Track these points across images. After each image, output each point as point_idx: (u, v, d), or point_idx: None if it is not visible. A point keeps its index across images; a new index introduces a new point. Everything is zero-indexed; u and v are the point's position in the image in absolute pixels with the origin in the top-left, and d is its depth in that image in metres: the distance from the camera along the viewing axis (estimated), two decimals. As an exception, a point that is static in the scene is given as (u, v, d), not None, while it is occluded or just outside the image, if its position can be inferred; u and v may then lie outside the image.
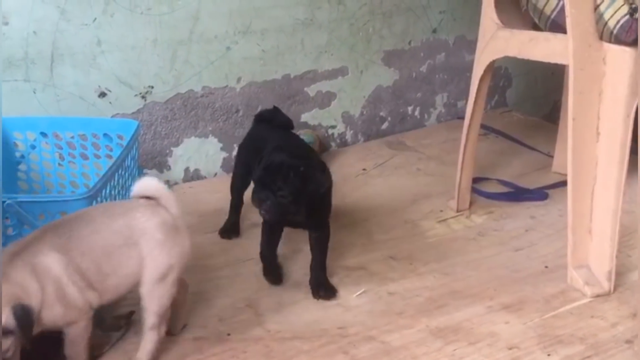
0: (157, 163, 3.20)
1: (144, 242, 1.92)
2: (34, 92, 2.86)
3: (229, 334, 2.22)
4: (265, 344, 2.19)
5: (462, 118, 2.91)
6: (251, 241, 2.59)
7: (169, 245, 1.96)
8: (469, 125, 2.85)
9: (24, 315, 1.72)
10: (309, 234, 2.45)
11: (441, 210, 2.99)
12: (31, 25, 2.78)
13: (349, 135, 3.66)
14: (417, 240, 2.78)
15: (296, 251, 2.65)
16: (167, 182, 3.18)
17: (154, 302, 1.97)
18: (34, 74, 2.84)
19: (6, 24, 2.74)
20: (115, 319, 2.26)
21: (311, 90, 3.47)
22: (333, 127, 3.60)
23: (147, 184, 2.02)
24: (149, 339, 2.01)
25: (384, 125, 3.75)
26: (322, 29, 3.40)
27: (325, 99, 3.53)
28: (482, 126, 3.12)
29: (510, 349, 2.16)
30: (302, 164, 2.24)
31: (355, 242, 2.76)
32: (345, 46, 3.49)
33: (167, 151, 3.21)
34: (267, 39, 3.28)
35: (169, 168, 3.22)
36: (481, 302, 2.38)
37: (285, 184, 2.20)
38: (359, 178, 3.30)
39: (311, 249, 2.45)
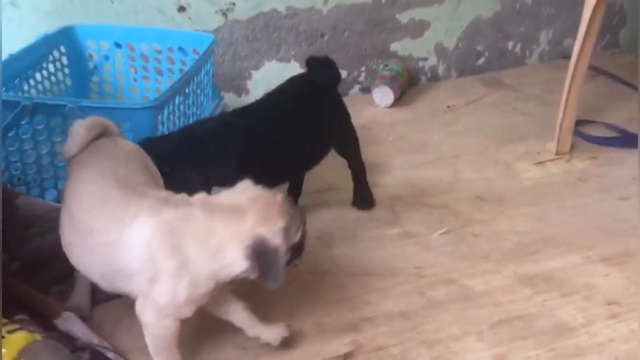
0: (236, 86, 3.03)
1: None
2: (112, 2, 2.72)
3: (296, 265, 2.05)
4: (334, 277, 2.01)
5: (568, 58, 2.62)
6: (330, 171, 2.40)
7: None
8: (576, 65, 2.55)
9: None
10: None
11: (538, 152, 2.71)
12: None
13: (441, 69, 3.39)
14: (509, 181, 2.53)
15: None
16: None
17: None
18: (113, -19, 2.70)
19: None
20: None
21: (403, 17, 3.21)
22: (424, 59, 3.34)
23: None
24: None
25: (480, 61, 3.46)
26: (419, -51, 3.13)
27: (418, 28, 3.27)
28: (590, 67, 2.81)
29: (609, 304, 1.92)
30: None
31: (440, 180, 2.54)
32: (444, -31, 3.21)
33: (247, 74, 3.04)
34: (360, -42, 3.04)
35: (247, 92, 3.05)
36: (578, 251, 2.13)
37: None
38: (447, 114, 3.05)
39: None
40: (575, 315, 1.88)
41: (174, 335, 1.58)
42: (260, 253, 1.49)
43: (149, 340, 1.59)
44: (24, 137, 1.99)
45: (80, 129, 1.68)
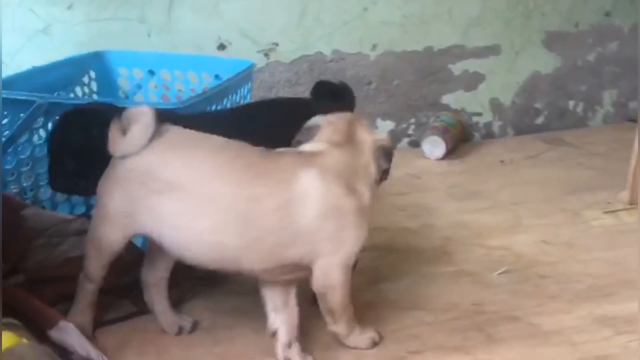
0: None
1: None
2: (149, 36, 2.60)
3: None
4: (376, 311, 1.73)
5: (635, 121, 2.40)
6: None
7: None
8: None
9: None
10: None
11: (608, 202, 2.43)
12: (151, -42, 2.55)
13: (496, 127, 3.17)
14: (578, 227, 2.25)
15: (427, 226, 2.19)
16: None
17: None
18: (150, 15, 2.59)
19: (125, -46, 2.52)
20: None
21: (456, 68, 3.03)
22: (478, 114, 3.13)
23: None
24: None
25: (539, 119, 3.23)
26: (474, -3, 2.98)
27: (472, 81, 3.07)
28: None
29: None
30: None
31: (498, 224, 2.27)
32: (499, 20, 3.03)
33: (288, 120, 2.85)
34: (410, 3, 2.89)
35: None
36: (665, 295, 1.81)
37: None
38: (505, 167, 2.80)
39: None
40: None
41: None
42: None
43: (338, 301, 1.50)
44: (37, 142, 1.81)
45: (146, 118, 1.46)
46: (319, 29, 2.80)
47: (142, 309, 1.67)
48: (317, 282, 1.48)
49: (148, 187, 1.44)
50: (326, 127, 1.53)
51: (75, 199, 1.87)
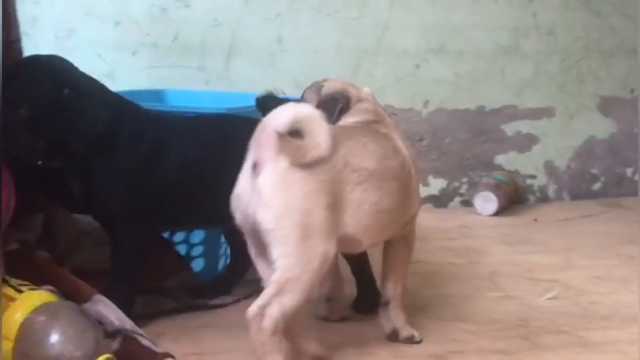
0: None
1: None
2: (207, 83, 2.71)
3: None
4: (415, 320, 1.68)
5: None
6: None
7: None
8: None
9: None
10: None
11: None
12: (213, 11, 2.68)
13: (551, 190, 3.12)
14: (633, 268, 2.16)
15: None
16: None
17: None
18: (209, 64, 2.70)
19: (188, 6, 2.66)
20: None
21: (509, 128, 3.04)
22: (532, 177, 3.10)
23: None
24: None
25: (596, 186, 3.17)
26: (527, 59, 3.01)
27: (526, 142, 3.07)
28: None
29: None
30: None
31: (549, 263, 2.21)
32: (553, 83, 3.06)
33: (340, 172, 2.88)
34: (463, 63, 2.95)
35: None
36: None
37: None
38: (560, 222, 2.74)
39: None
40: None
41: None
42: None
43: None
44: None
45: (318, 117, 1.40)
46: (371, 84, 2.82)
47: (182, 305, 1.67)
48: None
49: (349, 180, 1.41)
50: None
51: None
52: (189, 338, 1.56)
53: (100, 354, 1.25)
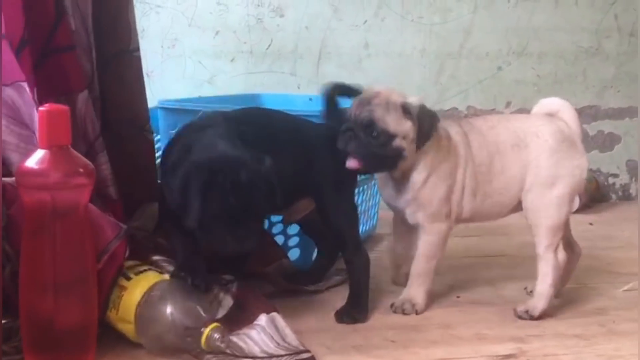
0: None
1: (533, 145, 1.78)
2: (298, 87, 2.89)
3: (458, 297, 1.89)
4: (494, 307, 1.80)
5: None
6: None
7: (560, 154, 1.76)
8: None
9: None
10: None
11: None
12: (304, 20, 2.86)
13: (634, 189, 3.17)
14: None
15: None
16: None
17: (540, 214, 1.76)
18: (301, 69, 2.88)
19: (282, 16, 2.84)
20: (337, 270, 2.04)
21: (591, 128, 3.11)
22: (615, 175, 3.16)
23: (549, 101, 1.86)
24: (543, 265, 1.76)
25: (680, 184, 3.21)
26: (608, 60, 3.08)
27: (607, 142, 3.13)
28: None
29: None
30: None
31: (631, 258, 2.26)
32: (635, 84, 3.10)
33: (424, 171, 3.01)
34: (544, 64, 3.03)
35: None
36: None
37: None
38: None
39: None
40: None
41: None
42: None
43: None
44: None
45: None
46: (454, 86, 2.99)
47: (280, 289, 1.85)
48: None
49: None
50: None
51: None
52: (287, 318, 1.72)
53: (207, 325, 1.40)
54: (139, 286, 1.48)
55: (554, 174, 1.76)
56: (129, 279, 1.50)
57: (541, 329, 1.68)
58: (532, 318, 1.71)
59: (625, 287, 1.98)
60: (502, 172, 1.78)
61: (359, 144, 1.66)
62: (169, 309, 1.42)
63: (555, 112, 1.82)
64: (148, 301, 1.45)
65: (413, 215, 1.77)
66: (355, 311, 1.71)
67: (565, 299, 1.89)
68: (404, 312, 1.74)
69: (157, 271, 1.54)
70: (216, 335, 1.38)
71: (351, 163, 1.67)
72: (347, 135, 1.67)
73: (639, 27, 3.07)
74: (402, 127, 1.68)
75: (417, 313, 1.75)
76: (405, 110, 1.70)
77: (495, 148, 1.78)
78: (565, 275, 1.88)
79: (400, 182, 1.76)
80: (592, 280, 2.06)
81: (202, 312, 1.43)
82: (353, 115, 1.69)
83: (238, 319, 1.57)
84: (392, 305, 1.76)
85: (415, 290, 1.77)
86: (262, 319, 1.54)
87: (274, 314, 1.56)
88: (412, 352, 1.54)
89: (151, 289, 1.46)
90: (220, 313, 1.57)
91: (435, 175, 1.73)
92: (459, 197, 1.76)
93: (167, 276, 1.52)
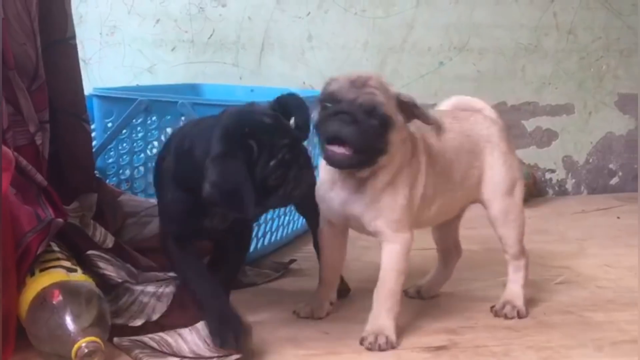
0: (354, 175, 3.02)
1: (488, 150, 1.71)
2: (240, 78, 2.86)
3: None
4: (435, 300, 1.82)
5: None
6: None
7: (509, 156, 1.73)
8: None
9: None
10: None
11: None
12: (247, 10, 2.84)
13: (569, 184, 3.24)
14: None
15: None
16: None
17: (509, 224, 1.75)
18: (243, 60, 2.86)
19: (224, 5, 2.82)
20: (275, 263, 2.04)
21: (529, 124, 3.16)
22: (552, 171, 3.22)
23: (463, 99, 1.81)
24: (515, 269, 1.79)
25: (614, 180, 3.29)
26: (547, 57, 3.13)
27: (545, 138, 3.19)
28: None
29: None
30: None
31: (561, 251, 2.33)
32: (572, 81, 3.17)
33: (365, 164, 3.03)
34: (484, 60, 3.07)
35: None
36: None
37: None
38: (576, 215, 2.86)
39: (229, 251, 1.66)
40: None
41: None
42: None
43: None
44: (135, 138, 2.04)
45: None
46: (397, 80, 3.00)
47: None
48: None
49: None
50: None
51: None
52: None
53: (81, 337, 1.33)
54: (34, 286, 1.41)
55: (511, 178, 1.72)
56: (32, 274, 1.44)
57: (473, 321, 1.70)
58: (520, 317, 1.72)
59: (558, 280, 2.02)
60: (461, 183, 1.67)
61: (357, 129, 1.42)
62: (47, 317, 1.36)
63: (480, 109, 1.80)
64: (35, 304, 1.38)
65: (372, 222, 1.54)
66: None
67: (499, 291, 1.91)
68: (379, 349, 1.51)
69: (64, 269, 1.46)
70: (86, 350, 1.31)
71: (340, 150, 1.43)
72: (340, 118, 1.43)
73: (577, 25, 3.13)
74: (399, 119, 1.49)
75: (393, 347, 1.52)
76: (401, 102, 1.50)
77: (454, 155, 1.65)
78: (445, 276, 1.88)
79: (360, 184, 1.53)
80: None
81: (73, 325, 1.34)
82: (346, 98, 1.44)
83: (177, 317, 1.53)
84: (362, 341, 1.52)
85: (385, 319, 1.54)
86: (201, 323, 1.50)
87: None
88: (345, 344, 1.54)
89: (44, 291, 1.39)
90: (154, 317, 1.53)
91: (399, 179, 1.54)
92: (417, 206, 1.58)
93: (74, 275, 1.45)
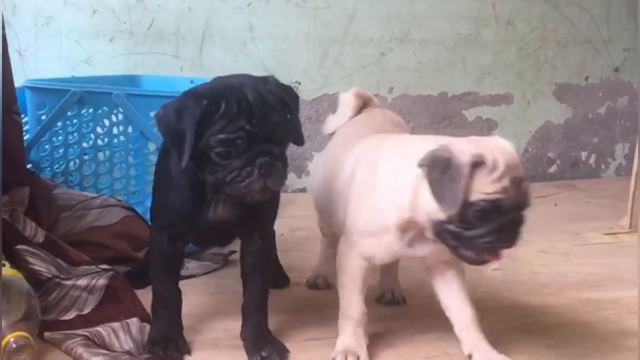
0: (296, 167, 3.02)
1: None
2: (181, 70, 2.83)
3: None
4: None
5: None
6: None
7: None
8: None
9: None
10: (243, 247, 1.51)
11: (610, 228, 2.53)
12: (187, 1, 2.80)
13: (510, 173, 3.29)
14: (577, 242, 2.35)
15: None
16: (304, 189, 2.99)
17: None
18: (184, 51, 2.83)
19: (164, -5, 2.79)
20: (214, 255, 2.03)
21: (470, 114, 3.20)
22: (493, 160, 3.27)
23: (360, 91, 1.83)
24: None
25: (552, 168, 3.35)
26: (486, 48, 3.17)
27: (485, 127, 3.23)
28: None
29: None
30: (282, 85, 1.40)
31: (500, 239, 2.37)
32: (511, 71, 3.22)
33: (308, 155, 3.03)
34: (425, 51, 3.10)
35: (307, 173, 3.03)
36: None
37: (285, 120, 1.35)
38: (516, 203, 2.91)
39: (246, 274, 1.50)
40: (646, 326, 1.63)
41: None
42: None
43: None
44: (71, 128, 2.00)
45: (349, 97, 1.76)
46: (339, 71, 3.01)
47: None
48: None
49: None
50: None
51: (101, 183, 2.04)
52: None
53: (16, 331, 1.30)
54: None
55: None
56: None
57: (410, 308, 1.72)
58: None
59: (494, 266, 2.05)
60: None
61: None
62: None
63: (368, 101, 1.81)
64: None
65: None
66: None
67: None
68: None
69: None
70: (14, 345, 1.29)
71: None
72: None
73: (515, 16, 3.18)
74: None
75: None
76: None
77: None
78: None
79: None
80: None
81: (1, 320, 1.30)
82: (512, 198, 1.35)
83: (110, 309, 1.53)
84: None
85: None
86: (135, 322, 1.50)
87: (147, 325, 1.50)
88: (285, 335, 1.55)
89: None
90: (86, 310, 1.52)
91: None
92: None
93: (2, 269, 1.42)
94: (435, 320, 1.63)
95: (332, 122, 1.80)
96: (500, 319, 1.67)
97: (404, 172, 1.36)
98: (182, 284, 1.53)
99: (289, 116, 1.35)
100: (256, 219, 1.44)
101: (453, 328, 1.49)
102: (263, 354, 1.43)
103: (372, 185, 1.41)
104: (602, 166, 3.43)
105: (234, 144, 1.28)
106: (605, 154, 3.43)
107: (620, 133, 3.43)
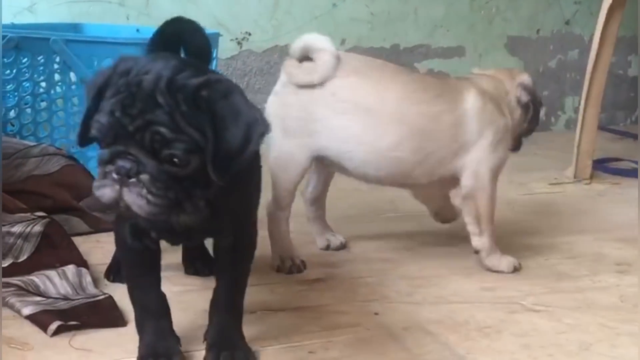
0: (248, 119, 2.99)
1: None
2: (127, 19, 2.78)
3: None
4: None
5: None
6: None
7: None
8: (592, 72, 2.49)
9: None
10: (215, 241, 1.30)
11: (555, 178, 2.57)
12: (134, -53, 2.74)
13: (461, 126, 3.31)
14: (521, 191, 2.40)
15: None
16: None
17: None
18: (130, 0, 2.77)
19: (108, -58, 2.71)
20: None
21: (422, 67, 3.19)
22: (444, 112, 3.28)
23: (310, 37, 1.62)
24: None
25: (503, 121, 3.38)
26: (439, 0, 3.16)
27: (438, 80, 3.24)
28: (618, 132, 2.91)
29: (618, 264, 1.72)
30: (205, 82, 1.10)
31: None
32: (463, 23, 3.22)
33: (260, 107, 3.00)
34: (377, 2, 3.07)
35: (259, 125, 3.01)
36: (589, 234, 1.94)
37: (176, 127, 1.06)
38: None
39: (217, 270, 1.30)
40: (580, 271, 1.67)
41: None
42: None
43: (486, 204, 1.66)
44: (6, 78, 1.96)
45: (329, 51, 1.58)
46: (290, 22, 2.98)
47: (94, 229, 1.80)
48: (468, 184, 1.64)
49: (332, 108, 1.55)
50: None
51: (41, 132, 2.00)
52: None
53: None
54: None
55: None
56: None
57: (353, 255, 1.74)
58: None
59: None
60: None
61: None
62: None
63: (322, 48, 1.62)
64: None
65: None
66: None
67: (381, 226, 1.96)
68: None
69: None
70: None
71: None
72: None
73: (467, -32, 3.17)
74: None
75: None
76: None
77: None
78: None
79: None
80: (410, 210, 2.13)
81: None
82: None
83: (46, 256, 1.51)
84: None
85: None
86: (71, 268, 1.47)
87: (84, 269, 1.49)
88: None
89: None
90: (22, 257, 1.50)
91: None
92: None
93: None
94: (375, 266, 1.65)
95: (305, 77, 1.61)
96: (440, 264, 1.70)
97: None
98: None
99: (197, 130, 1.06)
100: (228, 218, 1.21)
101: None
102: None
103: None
104: (552, 119, 3.47)
105: (100, 129, 1.06)
106: (556, 107, 3.46)
107: (571, 86, 3.46)
